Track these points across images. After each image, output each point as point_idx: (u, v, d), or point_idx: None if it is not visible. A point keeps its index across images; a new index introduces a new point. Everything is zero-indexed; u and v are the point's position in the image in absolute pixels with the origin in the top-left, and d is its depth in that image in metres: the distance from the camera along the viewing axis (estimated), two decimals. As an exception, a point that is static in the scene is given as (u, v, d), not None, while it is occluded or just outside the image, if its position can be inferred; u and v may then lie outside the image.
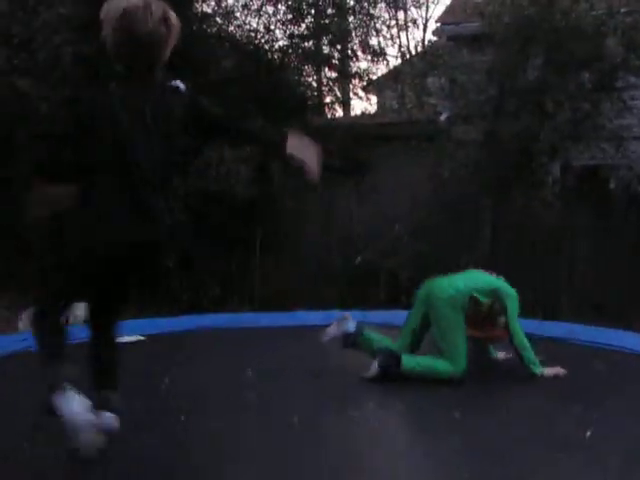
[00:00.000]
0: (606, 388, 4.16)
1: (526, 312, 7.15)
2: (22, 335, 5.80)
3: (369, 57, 11.15)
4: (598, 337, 5.20)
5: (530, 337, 4.27)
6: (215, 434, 3.29)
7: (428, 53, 9.95)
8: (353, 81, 11.88)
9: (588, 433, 3.22)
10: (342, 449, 3.17)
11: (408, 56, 11.05)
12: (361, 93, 12.25)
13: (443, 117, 9.82)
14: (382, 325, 5.31)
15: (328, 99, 11.77)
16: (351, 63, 11.39)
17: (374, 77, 11.42)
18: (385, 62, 11.36)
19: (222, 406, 3.72)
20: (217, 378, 4.26)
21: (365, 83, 11.41)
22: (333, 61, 11.15)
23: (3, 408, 3.68)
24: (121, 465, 2.83)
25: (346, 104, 12.88)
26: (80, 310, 8.36)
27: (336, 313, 6.08)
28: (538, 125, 8.15)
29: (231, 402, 3.78)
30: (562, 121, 7.91)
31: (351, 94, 12.26)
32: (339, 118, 12.23)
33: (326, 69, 11.45)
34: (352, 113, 13.39)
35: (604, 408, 3.72)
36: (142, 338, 5.33)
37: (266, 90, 9.60)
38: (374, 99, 13.15)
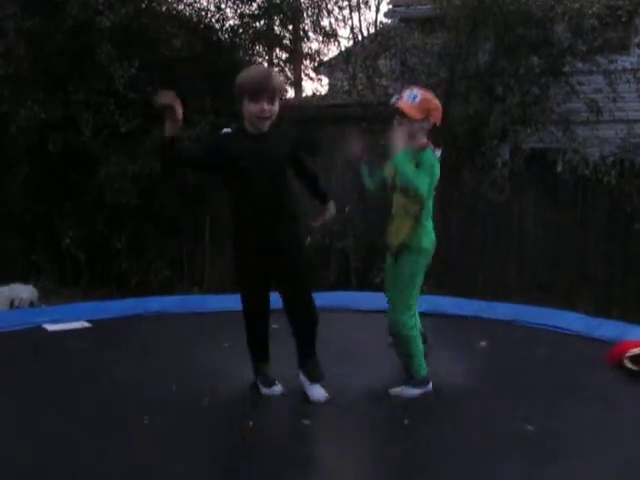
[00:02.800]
0: (549, 371, 4.23)
1: (476, 292, 7.30)
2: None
3: (320, 38, 11.08)
4: (543, 318, 5.27)
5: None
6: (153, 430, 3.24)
7: (380, 35, 9.92)
8: (304, 62, 11.80)
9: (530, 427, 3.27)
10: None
11: (360, 37, 10.98)
12: (312, 74, 12.20)
13: (394, 99, 9.80)
14: (333, 308, 5.28)
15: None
16: (302, 44, 11.30)
17: (325, 58, 11.36)
18: (337, 43, 11.30)
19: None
20: (153, 369, 4.20)
21: (316, 64, 11.34)
22: (284, 41, 11.05)
23: None
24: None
25: (297, 85, 12.80)
26: (26, 293, 8.24)
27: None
28: (488, 108, 8.22)
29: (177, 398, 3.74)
30: (512, 104, 7.97)
31: (302, 75, 12.19)
32: (290, 99, 12.16)
33: (277, 49, 11.33)
34: (303, 94, 13.32)
35: (550, 396, 3.78)
36: (87, 325, 5.23)
37: (217, 69, 9.48)
38: (325, 80, 13.09)
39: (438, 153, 3.64)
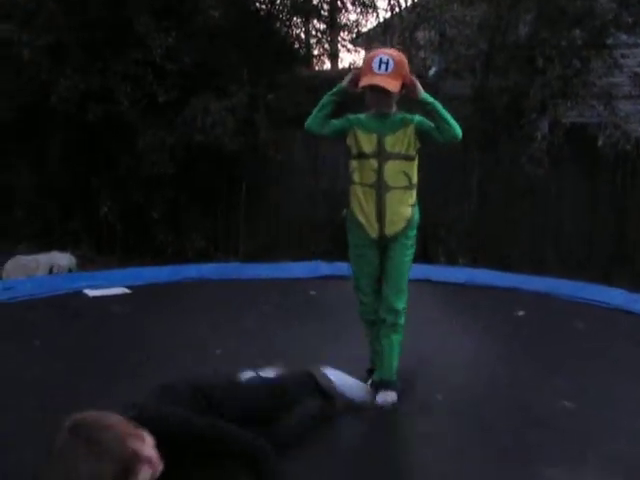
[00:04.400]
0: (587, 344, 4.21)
1: (511, 267, 7.25)
2: (4, 282, 5.81)
3: (359, 9, 10.98)
4: (581, 292, 5.24)
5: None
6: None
7: (418, 6, 9.78)
8: (342, 33, 11.71)
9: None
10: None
11: (398, 9, 10.83)
12: (349, 46, 12.09)
13: (432, 71, 9.72)
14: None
15: (316, 51, 11.61)
16: (340, 15, 11.21)
17: (363, 29, 11.26)
18: (375, 14, 11.18)
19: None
20: (197, 334, 4.25)
21: (354, 36, 11.24)
22: (322, 12, 10.97)
23: None
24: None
25: (334, 57, 12.70)
26: (64, 260, 8.36)
27: (321, 265, 6.13)
28: (528, 81, 8.09)
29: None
30: (552, 77, 7.84)
31: (340, 46, 12.09)
32: (327, 70, 12.09)
33: (314, 21, 11.25)
34: (340, 66, 13.22)
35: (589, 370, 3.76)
36: (127, 291, 5.31)
37: (254, 41, 9.45)
38: (362, 53, 12.97)
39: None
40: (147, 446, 1.84)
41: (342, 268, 5.60)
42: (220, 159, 8.84)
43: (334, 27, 11.56)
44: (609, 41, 8.20)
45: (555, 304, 5.07)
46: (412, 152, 3.25)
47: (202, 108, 8.48)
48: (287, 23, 10.60)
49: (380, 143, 3.22)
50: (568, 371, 3.69)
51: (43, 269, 8.04)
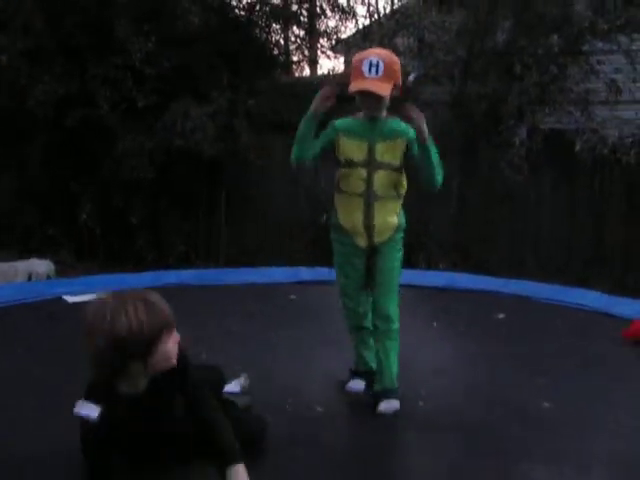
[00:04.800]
0: (567, 346, 4.25)
1: (490, 272, 7.31)
2: None
3: (337, 16, 11.04)
4: (561, 295, 5.30)
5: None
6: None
7: (398, 12, 9.86)
8: (321, 40, 11.76)
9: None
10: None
11: (377, 16, 10.90)
12: (329, 52, 12.14)
13: (411, 77, 9.78)
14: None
15: (296, 57, 11.65)
16: (319, 21, 11.25)
17: (343, 36, 11.31)
18: (354, 21, 11.25)
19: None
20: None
21: (333, 42, 11.29)
22: (301, 19, 11.01)
23: None
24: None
25: (314, 63, 12.74)
26: (42, 267, 8.30)
27: (302, 269, 6.14)
28: (506, 87, 8.18)
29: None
30: (529, 84, 7.93)
31: (319, 53, 12.13)
32: (307, 77, 12.13)
33: (294, 27, 11.29)
34: (320, 72, 13.26)
35: (567, 371, 3.81)
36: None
37: (234, 46, 9.47)
38: (342, 59, 13.04)
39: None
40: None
41: (323, 273, 5.66)
42: (200, 164, 8.86)
43: (313, 33, 11.61)
44: (585, 48, 8.31)
45: (534, 307, 5.13)
46: (399, 163, 3.14)
47: (182, 113, 8.49)
48: (266, 29, 10.62)
49: (371, 151, 3.10)
50: (548, 371, 3.72)
51: (22, 276, 7.98)
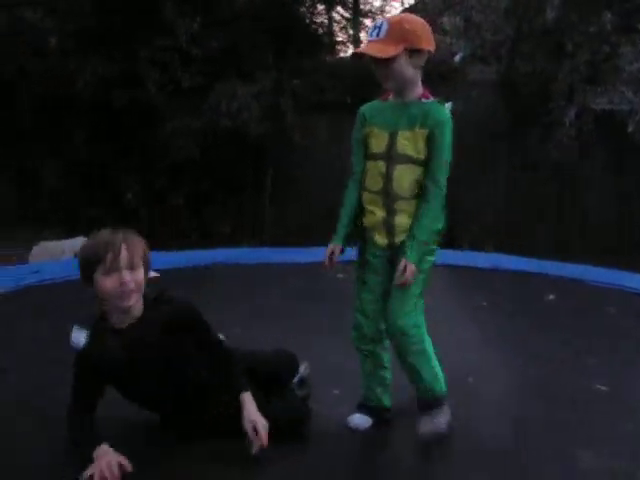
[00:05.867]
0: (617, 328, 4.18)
1: (538, 254, 7.21)
2: (32, 266, 5.84)
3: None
4: (611, 278, 5.20)
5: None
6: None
7: (444, -9, 9.72)
8: (365, 20, 11.67)
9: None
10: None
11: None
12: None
13: (458, 57, 9.65)
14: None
15: (340, 37, 11.58)
16: (364, 1, 11.16)
17: (388, 15, 11.19)
18: (400, 0, 11.13)
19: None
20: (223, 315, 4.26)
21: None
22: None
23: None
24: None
25: (357, 44, 12.64)
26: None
27: (348, 250, 6.10)
28: (555, 66, 8.01)
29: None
30: (580, 63, 7.75)
31: (363, 33, 12.03)
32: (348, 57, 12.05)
33: (338, 7, 11.21)
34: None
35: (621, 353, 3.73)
36: (155, 274, 5.30)
37: (279, 26, 9.43)
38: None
39: (448, 108, 2.64)
40: (129, 273, 2.35)
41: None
42: (245, 144, 8.85)
43: (357, 14, 11.52)
44: (640, 25, 8.09)
45: (585, 289, 5.04)
46: (424, 156, 2.58)
47: (228, 93, 8.49)
48: (311, 9, 10.56)
49: (391, 141, 2.60)
50: (600, 354, 3.65)
51: (68, 254, 8.09)
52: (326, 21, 11.37)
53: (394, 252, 2.65)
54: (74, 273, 5.04)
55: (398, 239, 2.64)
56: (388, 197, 2.60)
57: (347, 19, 11.27)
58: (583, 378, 3.31)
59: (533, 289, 4.95)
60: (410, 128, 2.57)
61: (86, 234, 8.00)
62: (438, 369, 2.72)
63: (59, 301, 4.50)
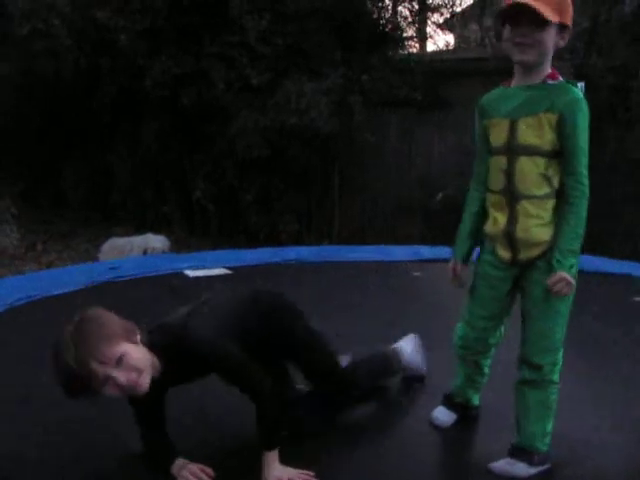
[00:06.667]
0: None
1: (613, 255, 6.96)
2: (109, 263, 5.87)
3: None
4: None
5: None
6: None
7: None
8: (433, 15, 11.47)
9: None
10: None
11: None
12: (436, 28, 11.85)
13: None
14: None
15: (408, 33, 11.39)
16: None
17: (457, 9, 10.98)
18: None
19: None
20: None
21: (448, 15, 10.98)
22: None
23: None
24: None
25: (424, 39, 12.46)
26: (157, 242, 8.46)
27: (422, 248, 5.99)
28: (636, 60, 7.72)
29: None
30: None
31: (429, 29, 11.87)
32: (419, 53, 11.87)
33: (405, 2, 11.03)
34: (430, 48, 12.97)
35: None
36: (227, 271, 5.28)
37: (346, 22, 9.33)
38: (453, 34, 12.73)
39: (581, 88, 2.33)
40: (119, 370, 2.04)
41: (444, 252, 5.49)
42: (314, 142, 8.78)
43: (425, 8, 11.31)
44: None
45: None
46: (551, 147, 2.25)
47: (296, 90, 8.43)
48: (379, 4, 10.41)
49: (512, 130, 2.30)
50: None
51: (137, 251, 8.17)
52: (393, 16, 11.19)
53: (519, 270, 2.39)
54: (149, 270, 5.11)
55: (524, 255, 2.35)
56: (512, 197, 2.31)
57: (415, 14, 11.07)
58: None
59: (618, 290, 4.76)
60: (533, 113, 2.25)
61: (155, 231, 8.10)
62: (550, 427, 2.43)
63: (136, 298, 4.49)
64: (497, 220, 2.36)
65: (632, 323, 4.00)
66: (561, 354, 2.39)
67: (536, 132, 2.25)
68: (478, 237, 2.50)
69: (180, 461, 2.33)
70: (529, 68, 2.26)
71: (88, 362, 2.00)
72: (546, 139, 2.24)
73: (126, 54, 8.92)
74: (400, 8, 11.25)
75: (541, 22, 2.15)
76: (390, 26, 10.77)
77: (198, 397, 2.69)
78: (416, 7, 10.87)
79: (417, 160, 9.14)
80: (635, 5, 8.22)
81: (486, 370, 2.71)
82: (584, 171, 2.25)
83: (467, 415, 2.78)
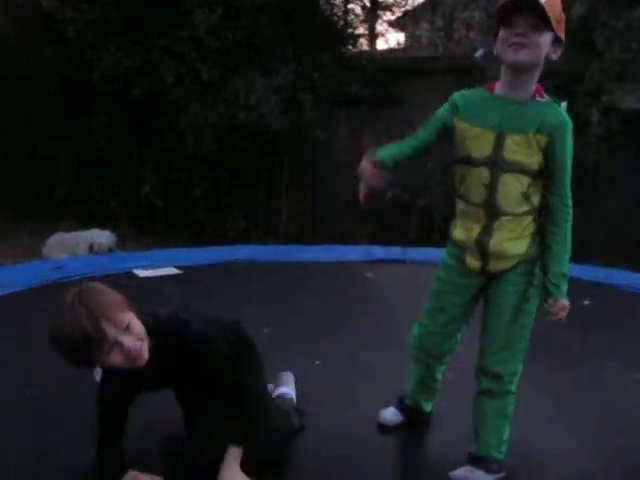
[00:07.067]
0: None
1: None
2: (54, 262, 5.72)
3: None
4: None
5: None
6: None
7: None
8: (384, 13, 11.52)
9: None
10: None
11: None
12: (386, 26, 11.92)
13: (479, 53, 9.47)
14: (422, 262, 5.12)
15: (359, 31, 11.41)
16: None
17: (406, 8, 11.06)
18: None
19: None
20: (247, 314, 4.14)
21: (400, 13, 11.04)
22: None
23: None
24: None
25: (376, 37, 12.51)
26: (103, 238, 8.31)
27: (374, 248, 5.99)
28: (582, 64, 7.84)
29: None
30: (611, 59, 7.58)
31: (381, 27, 11.92)
32: (370, 50, 11.90)
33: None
34: (381, 46, 13.05)
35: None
36: (177, 271, 5.20)
37: (298, 18, 9.28)
38: (404, 33, 12.79)
39: (564, 108, 2.31)
40: (127, 336, 2.05)
41: (396, 252, 5.53)
42: (262, 138, 8.72)
43: (376, 6, 11.36)
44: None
45: (620, 294, 4.92)
46: (535, 166, 2.24)
47: (246, 86, 8.35)
48: (331, 1, 10.40)
49: (498, 145, 2.24)
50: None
51: (83, 247, 8.01)
52: (345, 13, 11.19)
53: (486, 279, 2.39)
54: (96, 270, 4.99)
55: (494, 266, 2.34)
56: (492, 211, 2.28)
57: (368, 11, 11.10)
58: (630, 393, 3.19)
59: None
60: (523, 131, 2.21)
61: (102, 226, 7.92)
62: (506, 435, 2.45)
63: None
64: (471, 230, 2.35)
65: (583, 327, 4.05)
66: (521, 364, 2.41)
67: (524, 151, 2.22)
68: (398, 162, 2.40)
69: (131, 473, 2.28)
70: (518, 73, 2.22)
71: (101, 324, 2.00)
72: (533, 159, 2.23)
73: (74, 45, 8.72)
74: (352, 5, 11.29)
75: (538, 25, 2.12)
76: (342, 23, 10.78)
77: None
78: (368, 5, 10.90)
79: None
80: (584, 9, 8.34)
81: (439, 377, 2.72)
82: (568, 192, 2.28)
83: (417, 420, 2.79)
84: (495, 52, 2.23)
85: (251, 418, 2.29)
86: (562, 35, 2.21)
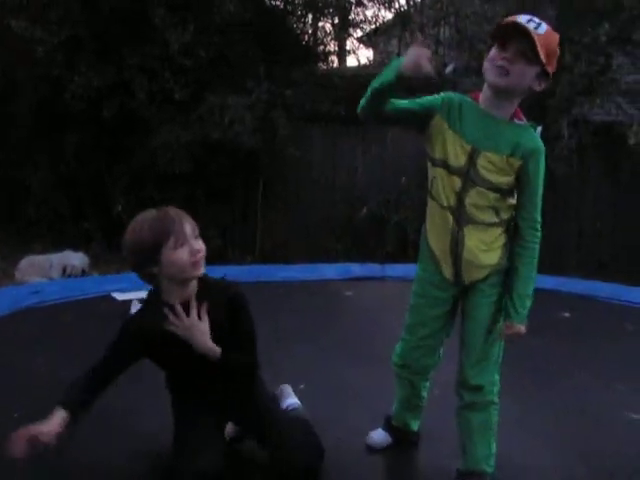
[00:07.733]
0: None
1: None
2: (32, 286, 5.64)
3: (376, 4, 10.77)
4: (625, 295, 5.14)
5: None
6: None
7: (439, 1, 9.62)
8: (355, 30, 11.54)
9: None
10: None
11: (414, 3, 10.64)
12: (357, 43, 11.93)
13: (449, 69, 9.58)
14: (401, 279, 5.14)
15: (331, 48, 11.43)
16: (356, 10, 11.00)
17: (378, 25, 11.06)
18: (392, 10, 10.97)
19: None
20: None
21: (371, 29, 11.06)
22: (334, 10, 10.79)
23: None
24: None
25: (347, 54, 12.52)
26: (76, 260, 8.20)
27: (353, 266, 5.99)
28: (553, 79, 7.94)
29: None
30: (579, 74, 7.69)
31: (352, 43, 11.93)
32: (342, 67, 11.94)
33: (328, 17, 11.07)
34: (352, 63, 13.10)
35: None
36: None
37: (270, 37, 9.30)
38: (374, 50, 12.86)
39: (539, 132, 2.37)
40: (198, 240, 2.43)
41: (375, 269, 5.53)
42: (237, 156, 8.69)
43: (346, 24, 11.38)
44: (636, 36, 8.03)
45: (599, 306, 4.97)
46: (505, 186, 2.30)
47: (219, 104, 8.33)
48: (302, 19, 10.43)
49: (472, 159, 2.28)
50: (626, 377, 3.56)
51: (56, 269, 7.90)
52: (317, 31, 11.22)
53: (461, 290, 2.42)
54: (74, 293, 4.93)
55: (467, 277, 2.38)
56: (459, 217, 2.31)
57: (339, 28, 11.11)
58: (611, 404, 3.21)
59: (547, 306, 4.85)
60: (498, 152, 2.25)
61: (74, 247, 7.81)
62: (494, 448, 2.46)
63: (61, 324, 4.33)
64: (443, 236, 2.37)
65: (563, 339, 4.09)
66: (497, 374, 2.44)
67: (497, 170, 2.26)
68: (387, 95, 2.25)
69: (60, 413, 2.28)
70: (497, 94, 2.26)
71: (183, 219, 2.40)
72: (504, 179, 2.28)
73: (43, 65, 8.64)
74: (322, 23, 11.31)
75: (527, 55, 2.16)
76: (314, 41, 10.82)
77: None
78: (337, 22, 10.94)
79: (341, 174, 9.17)
80: (553, 25, 8.46)
81: (424, 394, 2.72)
82: (539, 218, 2.33)
83: (405, 440, 2.79)
84: (483, 69, 2.27)
85: (240, 363, 2.52)
86: (551, 70, 2.26)
